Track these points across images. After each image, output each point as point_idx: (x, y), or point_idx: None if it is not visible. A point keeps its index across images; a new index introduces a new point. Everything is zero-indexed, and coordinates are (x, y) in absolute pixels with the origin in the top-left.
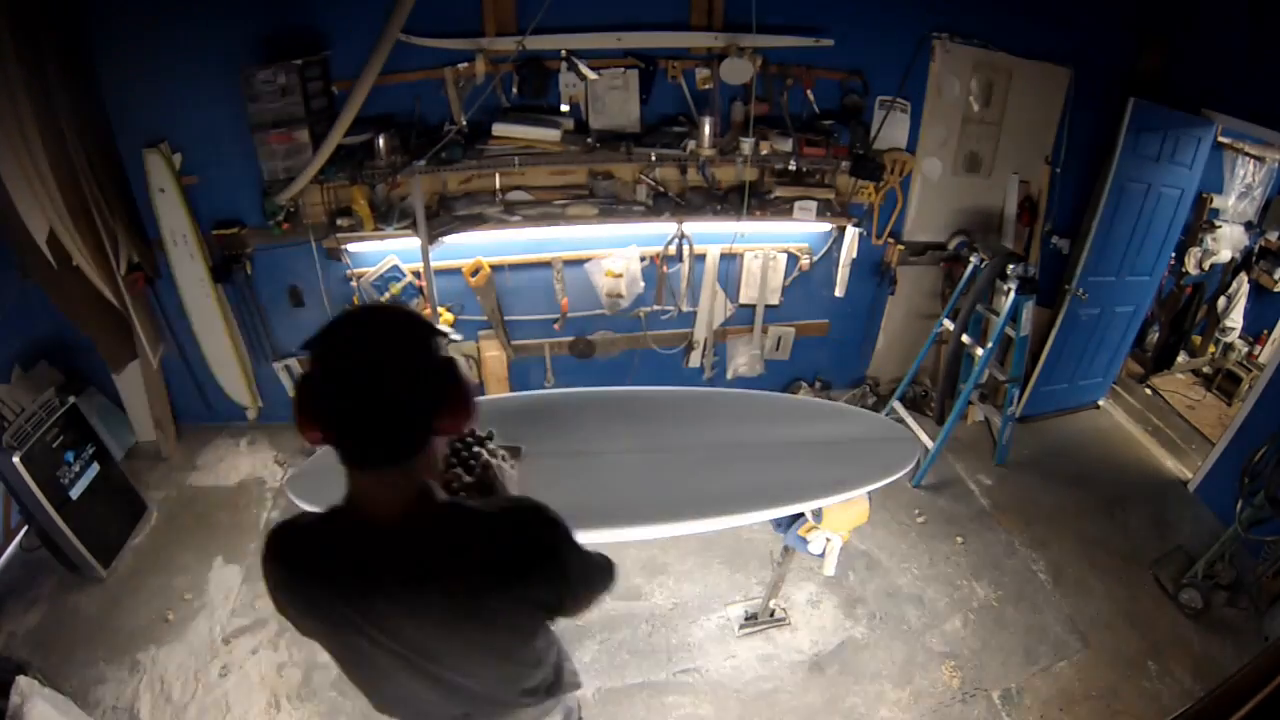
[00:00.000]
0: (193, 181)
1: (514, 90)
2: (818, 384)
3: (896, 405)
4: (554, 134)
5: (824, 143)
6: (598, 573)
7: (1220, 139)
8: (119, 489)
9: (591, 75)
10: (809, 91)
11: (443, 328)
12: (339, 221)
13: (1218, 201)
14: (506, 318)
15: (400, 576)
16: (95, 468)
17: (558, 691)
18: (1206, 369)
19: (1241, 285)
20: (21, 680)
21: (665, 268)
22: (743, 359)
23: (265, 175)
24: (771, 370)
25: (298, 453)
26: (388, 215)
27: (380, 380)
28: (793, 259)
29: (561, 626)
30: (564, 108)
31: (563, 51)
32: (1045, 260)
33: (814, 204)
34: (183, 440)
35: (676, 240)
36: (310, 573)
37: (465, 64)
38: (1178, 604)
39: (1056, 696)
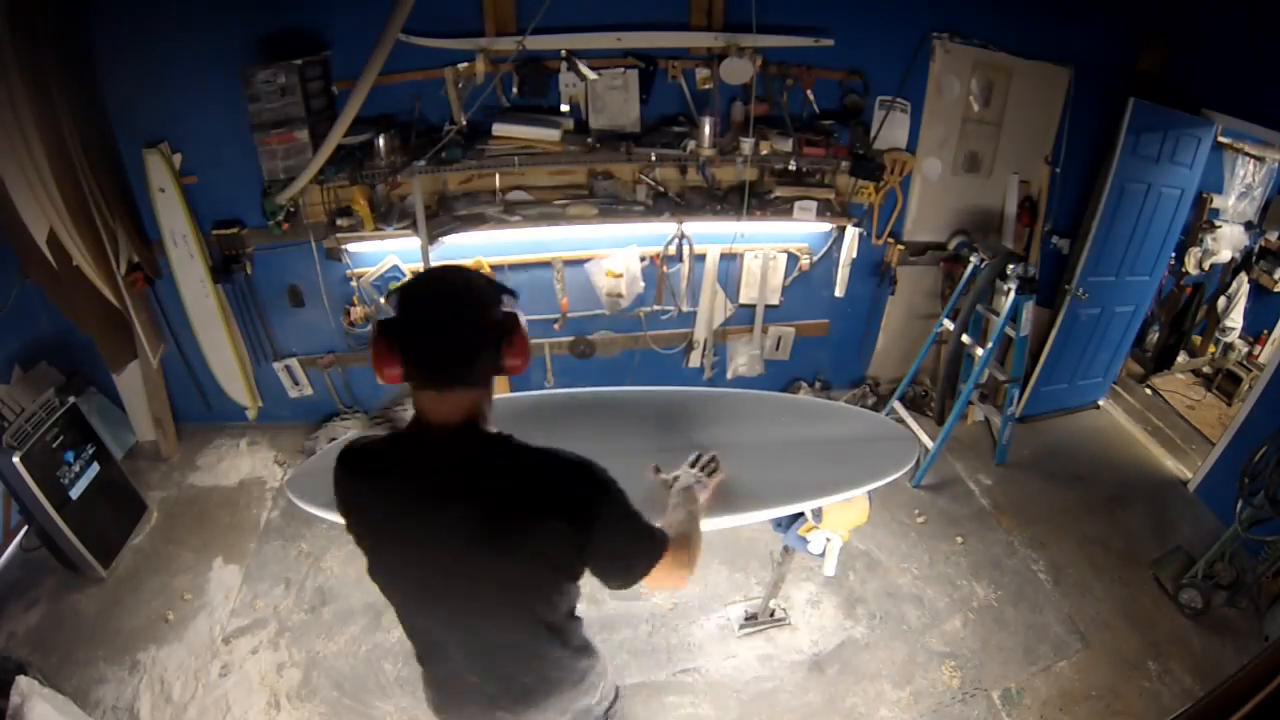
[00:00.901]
0: (193, 181)
1: (514, 90)
2: (818, 384)
3: (896, 405)
4: (554, 134)
5: (824, 143)
6: (636, 546)
7: (1220, 139)
8: (119, 489)
9: (591, 75)
10: (809, 91)
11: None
12: (339, 221)
13: (1218, 201)
14: None
15: (439, 484)
16: (95, 468)
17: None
18: (1206, 369)
19: (1241, 285)
20: (21, 680)
21: (665, 268)
22: (743, 359)
23: (265, 175)
24: (771, 370)
25: (297, 453)
26: (388, 215)
27: (461, 317)
28: (793, 259)
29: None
30: (564, 108)
31: (563, 51)
32: (1045, 260)
33: (814, 204)
34: (183, 440)
35: (676, 240)
36: (371, 478)
37: (465, 64)
38: (1178, 604)
39: (1056, 696)
